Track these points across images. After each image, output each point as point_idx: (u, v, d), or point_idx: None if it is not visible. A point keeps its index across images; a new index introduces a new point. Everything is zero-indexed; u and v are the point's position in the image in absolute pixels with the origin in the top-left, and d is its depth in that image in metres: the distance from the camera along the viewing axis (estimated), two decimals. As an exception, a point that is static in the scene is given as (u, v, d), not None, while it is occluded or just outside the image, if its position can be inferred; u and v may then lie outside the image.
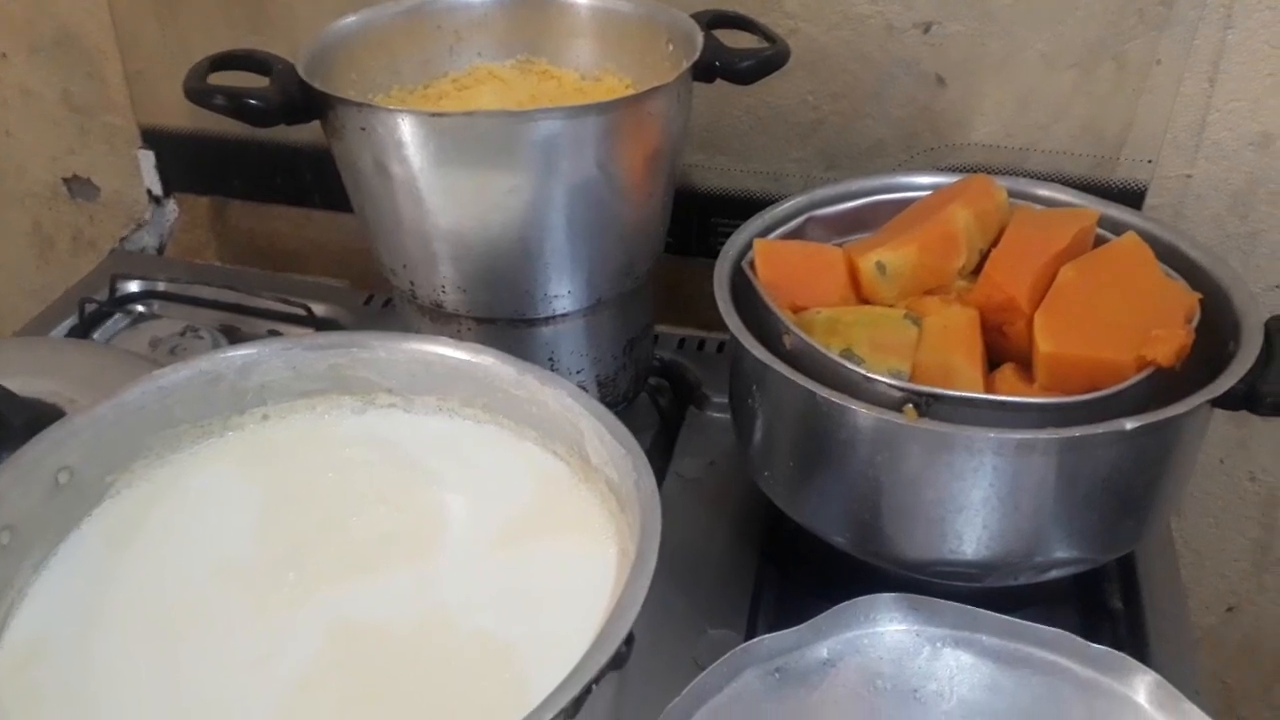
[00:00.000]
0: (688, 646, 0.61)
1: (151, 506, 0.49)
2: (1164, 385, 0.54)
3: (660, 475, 0.71)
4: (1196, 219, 0.78)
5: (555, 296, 0.63)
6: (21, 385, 0.61)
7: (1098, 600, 0.64)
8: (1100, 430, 0.49)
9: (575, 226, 0.60)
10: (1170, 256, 0.61)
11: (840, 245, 0.65)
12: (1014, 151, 0.78)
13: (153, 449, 0.50)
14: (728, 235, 0.65)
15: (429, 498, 0.51)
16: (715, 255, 0.63)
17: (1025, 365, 0.58)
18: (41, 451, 0.46)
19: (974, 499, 0.53)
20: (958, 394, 0.52)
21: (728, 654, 0.52)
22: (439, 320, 0.64)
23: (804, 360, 0.56)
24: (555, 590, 0.46)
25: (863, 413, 0.52)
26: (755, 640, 0.52)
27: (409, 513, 0.50)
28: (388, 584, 0.46)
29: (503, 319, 0.63)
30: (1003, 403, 0.51)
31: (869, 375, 0.53)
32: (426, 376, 0.53)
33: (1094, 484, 0.53)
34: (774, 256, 0.62)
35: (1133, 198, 0.76)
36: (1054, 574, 0.58)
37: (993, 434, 0.50)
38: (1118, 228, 0.63)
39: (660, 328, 0.78)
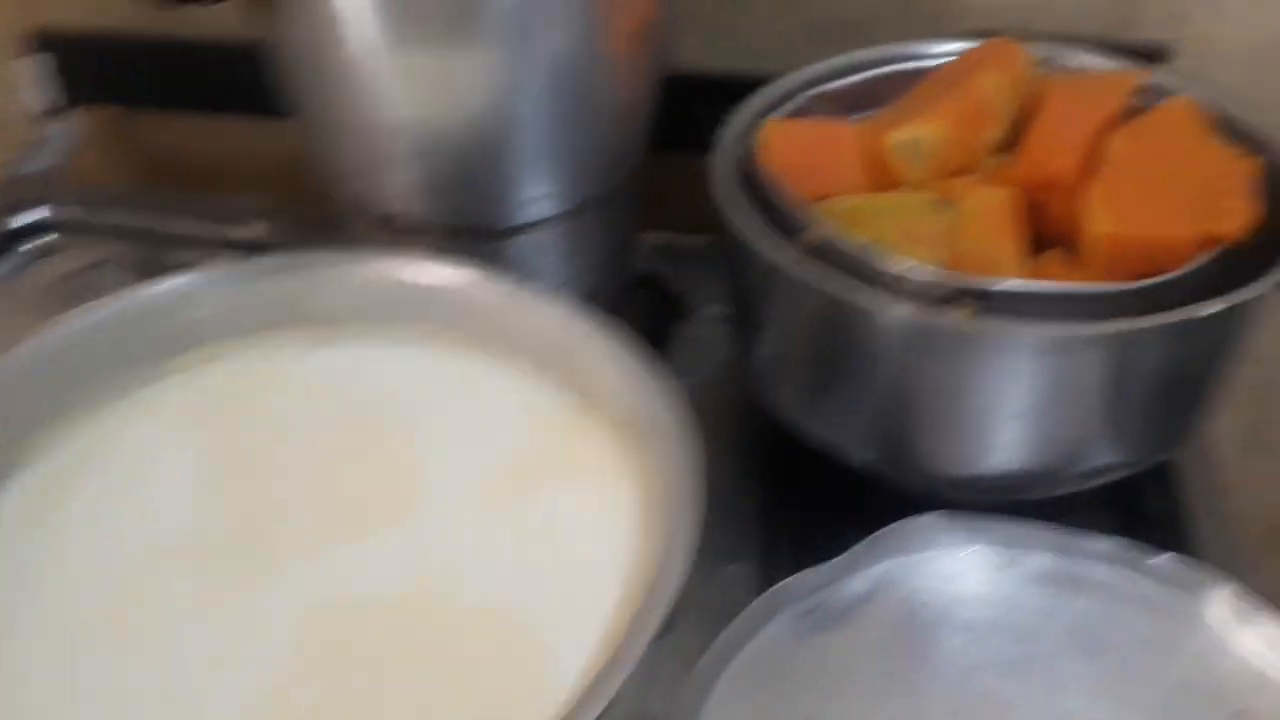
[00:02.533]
0: (699, 587, 0.54)
1: (72, 479, 0.41)
2: (1225, 265, 0.48)
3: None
4: (1222, 80, 0.71)
5: (533, 199, 0.55)
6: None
7: (1134, 504, 0.58)
8: (1178, 318, 0.43)
9: (554, 112, 0.51)
10: (1217, 121, 0.54)
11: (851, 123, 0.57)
12: (1022, 12, 0.70)
13: (68, 410, 0.42)
14: (704, 123, 0.56)
15: (405, 447, 0.43)
16: (692, 146, 0.55)
17: (1072, 249, 0.51)
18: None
19: (1027, 404, 0.47)
20: (1017, 286, 0.45)
21: (755, 602, 0.46)
22: (396, 235, 0.55)
23: (827, 259, 0.48)
24: (568, 550, 0.39)
25: (904, 316, 0.45)
26: (784, 582, 0.46)
27: (382, 466, 0.42)
28: (365, 556, 0.39)
29: (473, 229, 0.54)
30: (1068, 294, 0.45)
31: (911, 272, 0.46)
32: (393, 302, 0.45)
33: (1154, 379, 0.47)
34: (785, 138, 0.54)
35: (1156, 58, 0.69)
36: (1099, 480, 0.52)
37: (1064, 329, 0.43)
38: (1151, 93, 0.56)
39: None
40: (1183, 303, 0.46)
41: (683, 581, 0.33)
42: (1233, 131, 0.54)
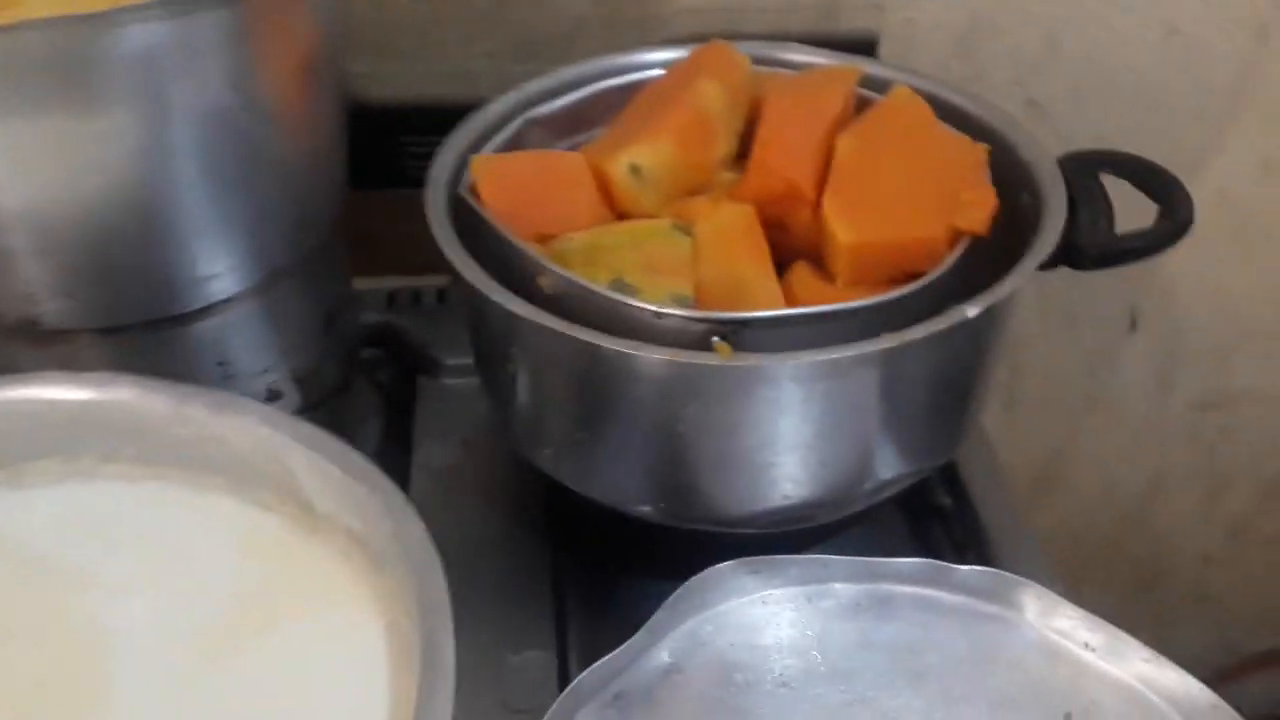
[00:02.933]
0: (491, 682, 0.48)
1: None
2: (970, 255, 0.47)
3: (403, 473, 0.57)
4: (925, 63, 0.72)
5: (209, 277, 0.46)
6: None
7: (922, 501, 0.57)
8: (946, 324, 0.41)
9: (216, 175, 0.43)
10: (938, 108, 0.53)
11: (574, 149, 0.52)
12: (728, 13, 0.68)
13: None
14: (420, 156, 0.50)
15: (83, 611, 0.34)
16: (407, 183, 0.49)
17: (816, 260, 0.49)
18: None
19: (803, 434, 0.43)
20: (771, 314, 0.41)
21: (554, 706, 0.40)
22: (39, 344, 0.44)
23: (570, 304, 0.43)
24: (312, 702, 0.32)
25: (664, 360, 0.40)
26: (581, 677, 0.41)
27: (57, 643, 0.33)
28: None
29: (137, 323, 0.45)
30: (824, 313, 0.41)
31: (660, 310, 0.41)
32: (38, 432, 0.36)
33: (932, 384, 0.45)
34: (500, 175, 0.48)
35: (864, 48, 0.69)
36: (888, 493, 0.50)
37: (830, 354, 0.40)
38: (871, 83, 0.54)
39: (358, 283, 0.62)
40: (941, 303, 0.44)
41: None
42: (954, 117, 0.53)
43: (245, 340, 0.48)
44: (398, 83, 0.67)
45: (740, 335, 0.41)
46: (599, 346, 0.41)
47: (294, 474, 0.34)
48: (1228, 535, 1.01)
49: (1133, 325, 0.87)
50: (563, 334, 0.41)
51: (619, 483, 0.47)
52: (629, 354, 0.40)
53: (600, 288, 0.42)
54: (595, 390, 0.44)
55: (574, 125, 0.55)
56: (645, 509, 0.47)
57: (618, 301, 0.42)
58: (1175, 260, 0.59)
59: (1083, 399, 0.93)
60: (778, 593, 0.45)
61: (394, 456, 0.58)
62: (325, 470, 0.33)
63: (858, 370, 0.41)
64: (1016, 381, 0.92)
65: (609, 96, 0.55)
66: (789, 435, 0.43)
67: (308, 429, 0.34)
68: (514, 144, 0.53)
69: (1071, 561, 1.03)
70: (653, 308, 0.41)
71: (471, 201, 0.48)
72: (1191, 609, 1.07)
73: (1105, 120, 0.75)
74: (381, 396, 0.60)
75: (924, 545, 0.54)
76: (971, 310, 0.41)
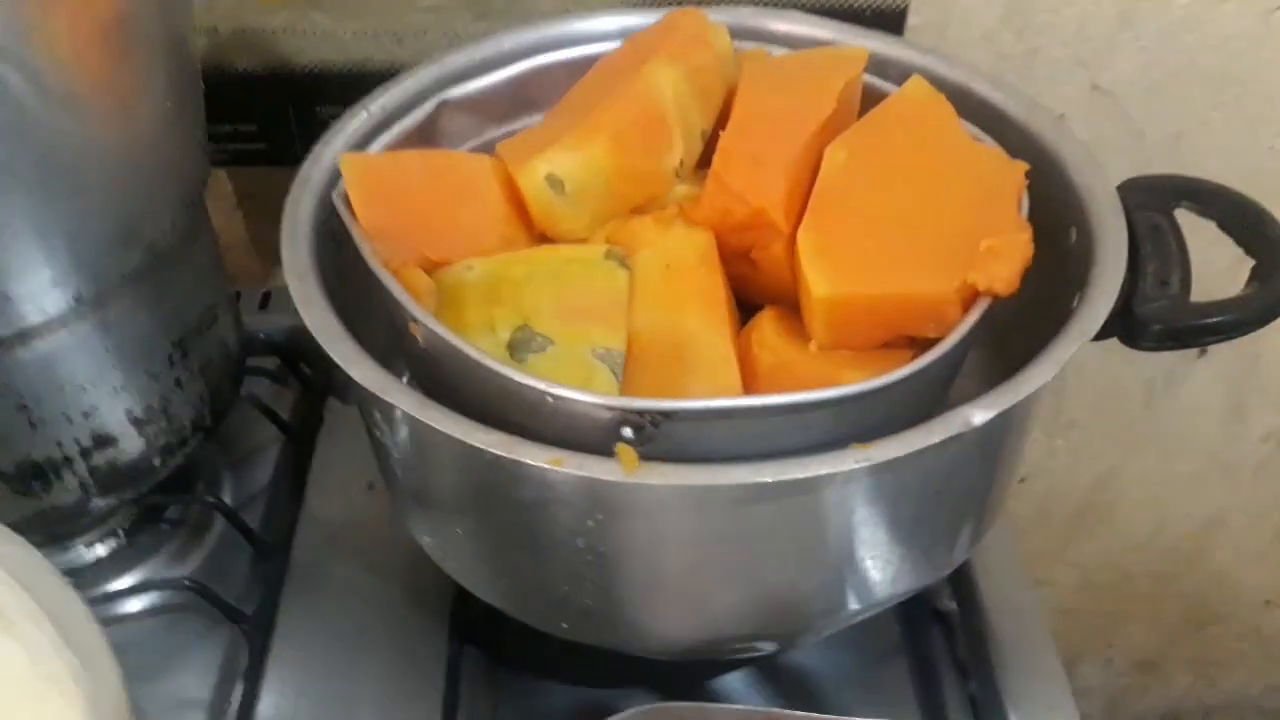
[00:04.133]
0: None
1: None
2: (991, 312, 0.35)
3: (291, 519, 0.47)
4: (965, 40, 0.59)
5: (22, 297, 0.36)
6: None
7: (920, 602, 0.45)
8: (941, 436, 0.29)
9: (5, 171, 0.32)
10: (963, 105, 0.40)
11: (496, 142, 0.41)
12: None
13: None
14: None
15: None
16: None
17: (791, 305, 0.37)
18: None
19: (738, 564, 0.32)
20: (701, 405, 0.30)
21: None
22: None
23: (447, 364, 0.32)
24: None
25: (551, 471, 0.29)
26: None
27: None
28: None
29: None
30: (772, 407, 0.30)
31: (553, 394, 0.30)
32: None
33: (920, 501, 0.33)
34: (377, 181, 0.37)
35: (890, 18, 0.56)
36: (875, 611, 0.39)
37: (764, 476, 0.29)
38: (884, 70, 0.42)
39: (274, 280, 0.52)
40: (943, 379, 0.32)
41: None
42: (988, 118, 0.41)
43: (59, 379, 0.38)
44: (323, 41, 0.56)
45: (662, 427, 0.30)
46: (462, 441, 0.30)
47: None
48: (1294, 577, 0.91)
49: (1201, 350, 0.75)
50: (428, 426, 0.31)
51: (518, 596, 0.37)
52: (499, 456, 0.29)
53: (478, 354, 0.31)
54: (479, 492, 0.33)
55: (509, 109, 0.44)
56: (544, 626, 0.37)
57: (498, 373, 0.31)
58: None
59: (1138, 427, 0.82)
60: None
61: (284, 498, 0.48)
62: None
63: (813, 492, 0.30)
64: (1065, 405, 0.81)
65: (553, 73, 0.44)
66: (716, 565, 0.32)
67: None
68: (427, 133, 0.42)
69: (1116, 597, 0.95)
70: (543, 387, 0.30)
71: (343, 212, 0.37)
72: (1248, 651, 0.99)
73: (1185, 113, 0.62)
74: (275, 423, 0.50)
75: (915, 659, 0.43)
76: (978, 417, 0.29)
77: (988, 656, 0.42)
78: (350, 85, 0.55)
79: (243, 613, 0.43)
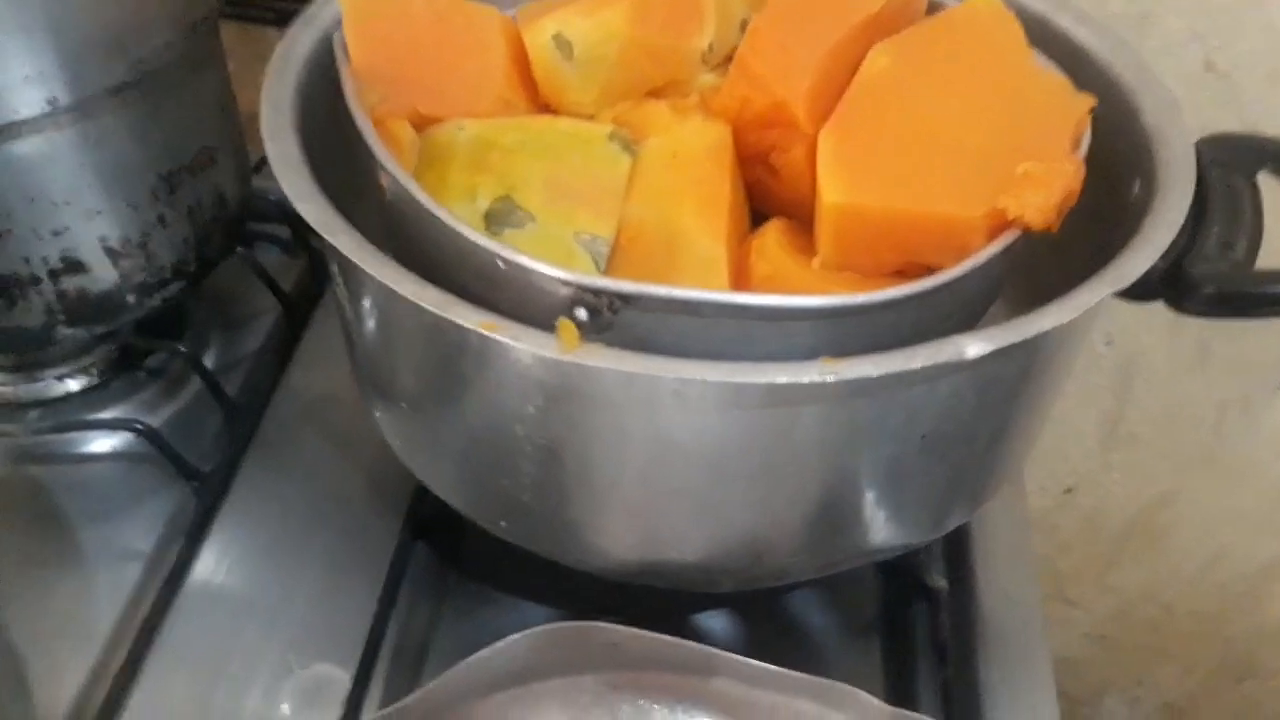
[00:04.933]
0: (263, 695, 0.36)
1: None
2: (1027, 251, 0.31)
3: (269, 388, 0.45)
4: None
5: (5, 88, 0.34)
6: None
7: (906, 570, 0.42)
8: (919, 364, 0.26)
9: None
10: (1039, 37, 0.36)
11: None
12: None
13: None
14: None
15: None
16: None
17: (806, 221, 0.34)
18: None
19: (696, 476, 0.29)
20: (661, 292, 0.26)
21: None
22: None
23: (409, 221, 0.30)
24: None
25: (489, 342, 0.26)
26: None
27: None
28: None
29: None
30: (740, 306, 0.27)
31: (506, 257, 0.27)
32: None
33: (907, 439, 0.30)
34: (377, 21, 0.34)
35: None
36: (848, 565, 0.35)
37: (709, 375, 0.25)
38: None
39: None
40: (952, 319, 0.29)
41: None
42: (1061, 52, 0.36)
43: (26, 187, 0.36)
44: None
45: (622, 313, 0.27)
46: (397, 293, 0.27)
47: None
48: (1358, 639, 0.84)
49: (1285, 381, 0.69)
50: (373, 279, 0.28)
51: (454, 481, 0.34)
52: (435, 316, 0.27)
53: (433, 205, 0.29)
54: (413, 356, 0.31)
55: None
56: (482, 521, 0.34)
57: (453, 231, 0.28)
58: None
59: (1204, 451, 0.76)
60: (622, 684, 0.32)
61: (270, 366, 0.47)
62: None
63: (774, 407, 0.26)
64: (1125, 416, 0.75)
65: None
66: (662, 476, 0.29)
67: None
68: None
69: (1153, 632, 0.89)
70: (494, 249, 0.27)
71: (338, 53, 0.34)
72: (1290, 713, 0.92)
73: (1311, 105, 0.56)
74: (274, 292, 0.48)
75: (892, 632, 0.40)
76: (972, 349, 0.26)
77: (972, 643, 0.38)
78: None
79: (198, 470, 0.42)
